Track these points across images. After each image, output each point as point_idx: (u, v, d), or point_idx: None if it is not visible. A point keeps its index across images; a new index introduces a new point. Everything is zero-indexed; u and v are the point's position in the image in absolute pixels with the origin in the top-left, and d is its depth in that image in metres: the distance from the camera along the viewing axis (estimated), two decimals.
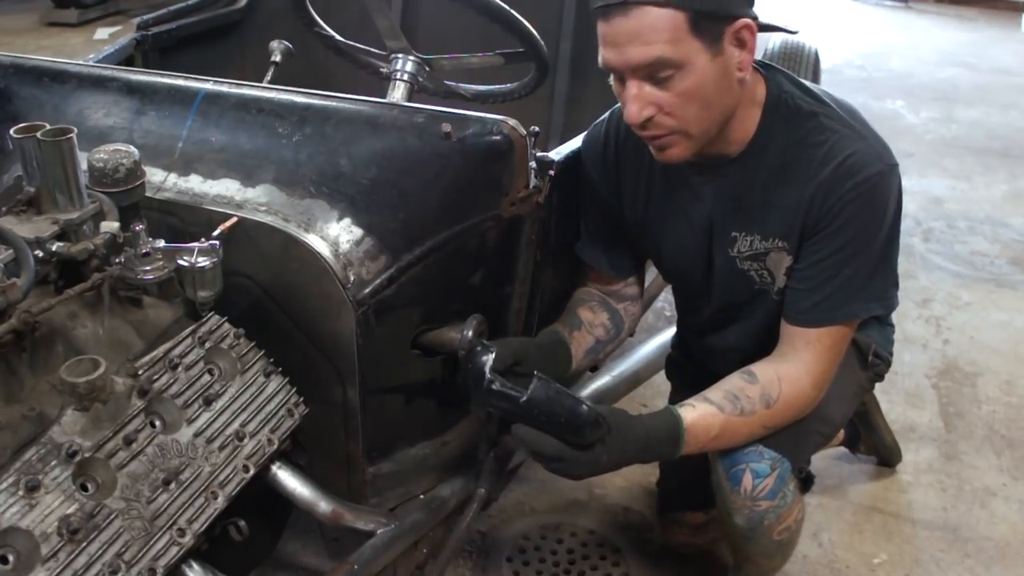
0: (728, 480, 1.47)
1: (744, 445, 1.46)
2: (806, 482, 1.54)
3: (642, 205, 1.58)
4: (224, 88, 1.53)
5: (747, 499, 1.46)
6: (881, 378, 1.73)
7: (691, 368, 1.82)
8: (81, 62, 1.74)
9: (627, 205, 1.60)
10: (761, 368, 1.44)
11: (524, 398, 1.27)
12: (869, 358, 1.65)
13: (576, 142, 1.66)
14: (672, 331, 1.96)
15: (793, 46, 2.91)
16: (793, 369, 1.44)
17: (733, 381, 1.43)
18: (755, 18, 1.33)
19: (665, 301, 2.70)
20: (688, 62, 1.29)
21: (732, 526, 1.51)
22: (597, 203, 1.63)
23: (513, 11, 1.79)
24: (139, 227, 1.22)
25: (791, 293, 1.46)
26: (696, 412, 1.40)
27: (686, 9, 1.26)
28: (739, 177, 1.45)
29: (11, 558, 0.99)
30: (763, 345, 1.49)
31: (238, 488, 1.22)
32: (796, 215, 1.41)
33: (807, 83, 1.47)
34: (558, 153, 1.57)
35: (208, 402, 1.23)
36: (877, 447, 2.21)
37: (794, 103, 1.42)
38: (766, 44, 2.79)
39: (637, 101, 1.33)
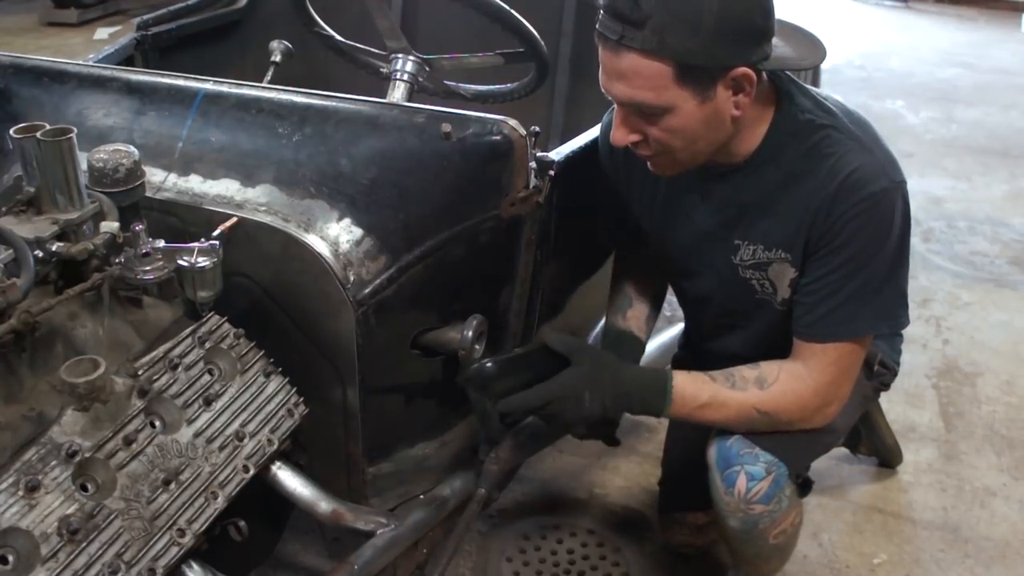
0: (723, 482, 1.47)
1: (738, 439, 1.46)
2: (803, 488, 1.53)
3: (649, 203, 1.59)
4: (224, 88, 1.53)
5: (741, 502, 1.46)
6: (887, 387, 1.73)
7: (697, 370, 1.82)
8: (81, 62, 1.74)
9: (636, 201, 1.61)
10: (766, 361, 1.46)
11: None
12: (875, 368, 1.65)
13: (576, 142, 1.65)
14: (677, 330, 1.96)
15: None
16: (798, 367, 1.44)
17: (736, 366, 1.46)
18: (763, 58, 1.29)
19: (665, 301, 2.69)
20: (673, 107, 1.29)
21: (727, 528, 1.51)
22: (612, 195, 1.64)
23: (513, 11, 1.79)
24: (139, 227, 1.22)
25: (797, 307, 1.46)
26: (688, 376, 1.44)
27: (673, 62, 1.25)
28: (744, 185, 1.45)
29: (11, 558, 0.99)
30: (766, 355, 1.48)
31: (238, 488, 1.22)
32: (800, 227, 1.40)
33: (820, 94, 1.45)
34: (558, 153, 1.57)
35: (208, 402, 1.23)
36: (878, 448, 2.20)
37: (804, 117, 1.40)
38: None
39: (622, 128, 1.36)
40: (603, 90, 1.35)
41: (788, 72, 1.45)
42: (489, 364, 1.40)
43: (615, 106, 1.37)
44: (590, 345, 1.47)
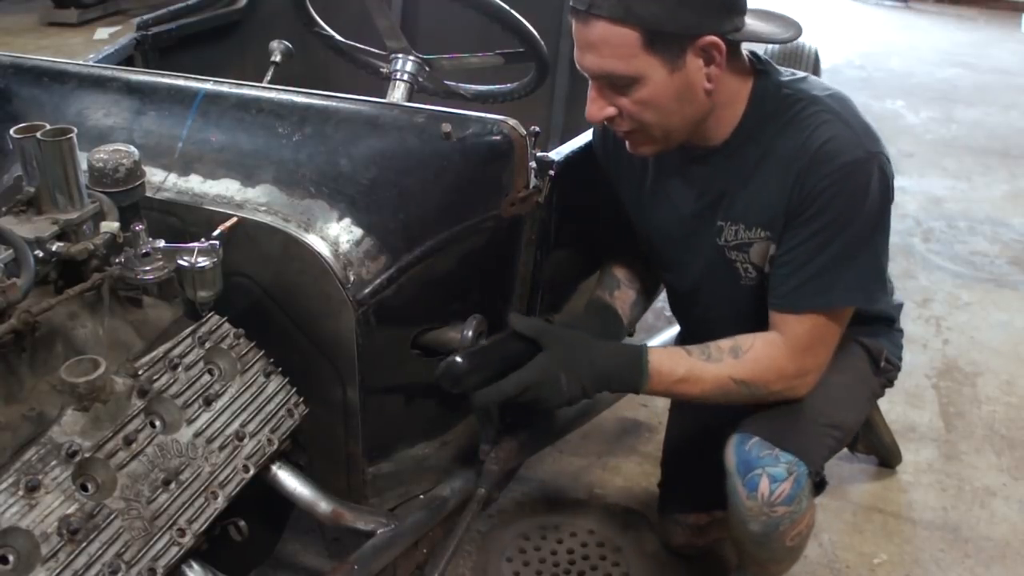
0: (744, 487, 1.44)
1: (757, 441, 1.44)
2: (819, 486, 1.52)
3: (636, 191, 1.60)
4: (224, 88, 1.53)
5: (764, 505, 1.43)
6: (892, 384, 1.72)
7: None
8: (81, 62, 1.74)
9: (624, 189, 1.62)
10: (744, 333, 1.45)
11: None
12: (881, 364, 1.64)
13: (576, 142, 1.66)
14: (674, 331, 1.96)
15: (792, 46, 2.91)
16: (773, 336, 1.43)
17: (714, 340, 1.46)
18: (733, 29, 1.31)
19: (664, 301, 2.69)
20: (642, 76, 1.30)
21: (746, 533, 1.49)
22: (607, 186, 1.65)
23: (513, 11, 1.79)
24: (139, 227, 1.22)
25: (772, 279, 1.44)
26: (664, 351, 1.45)
27: (640, 28, 1.26)
28: (724, 166, 1.45)
29: (11, 558, 0.99)
30: None
31: (238, 488, 1.22)
32: (779, 203, 1.40)
33: (797, 73, 1.45)
34: (558, 153, 1.57)
35: (208, 402, 1.23)
36: (875, 446, 2.20)
37: (780, 94, 1.41)
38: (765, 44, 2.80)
39: (595, 102, 1.37)
40: (577, 66, 1.36)
41: (770, 58, 1.46)
42: (459, 359, 1.36)
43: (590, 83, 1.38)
44: (558, 326, 1.46)
